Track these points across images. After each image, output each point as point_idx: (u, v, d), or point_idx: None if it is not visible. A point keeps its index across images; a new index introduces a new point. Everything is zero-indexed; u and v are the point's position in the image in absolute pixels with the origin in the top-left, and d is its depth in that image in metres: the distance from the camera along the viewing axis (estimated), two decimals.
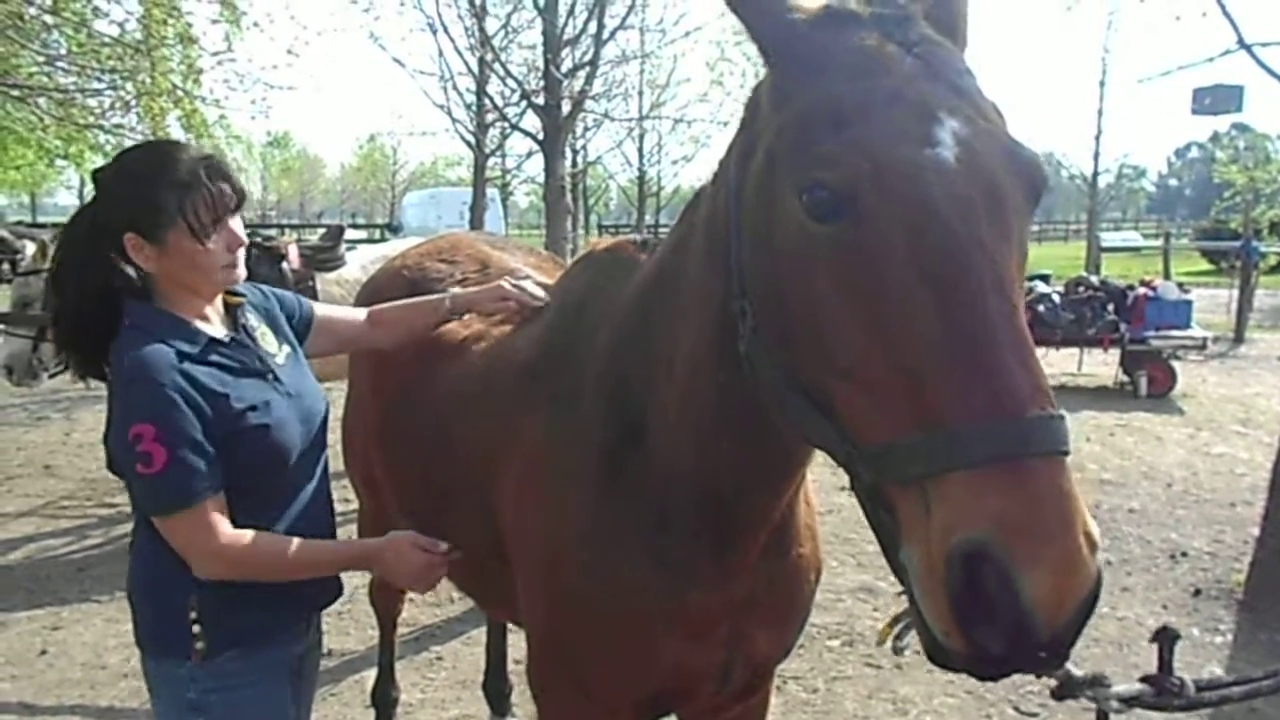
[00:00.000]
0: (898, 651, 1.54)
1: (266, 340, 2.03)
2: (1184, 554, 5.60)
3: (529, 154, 17.98)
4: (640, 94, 20.22)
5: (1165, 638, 1.34)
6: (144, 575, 1.89)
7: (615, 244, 2.13)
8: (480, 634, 4.53)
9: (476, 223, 14.71)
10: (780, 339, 1.26)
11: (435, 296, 2.42)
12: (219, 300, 1.95)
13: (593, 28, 9.16)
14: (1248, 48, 4.76)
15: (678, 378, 1.66)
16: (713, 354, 1.54)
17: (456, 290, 2.43)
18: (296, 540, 1.83)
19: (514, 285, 2.30)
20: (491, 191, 19.13)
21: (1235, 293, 15.09)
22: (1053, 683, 1.40)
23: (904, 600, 1.11)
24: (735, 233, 1.38)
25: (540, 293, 2.28)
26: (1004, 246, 1.11)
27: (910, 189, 1.10)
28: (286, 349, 2.06)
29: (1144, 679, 1.33)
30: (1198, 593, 5.05)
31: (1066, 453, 1.01)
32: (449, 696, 4.00)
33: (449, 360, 2.38)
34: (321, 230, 8.53)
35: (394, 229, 24.91)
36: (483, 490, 2.08)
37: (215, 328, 1.90)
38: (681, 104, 22.37)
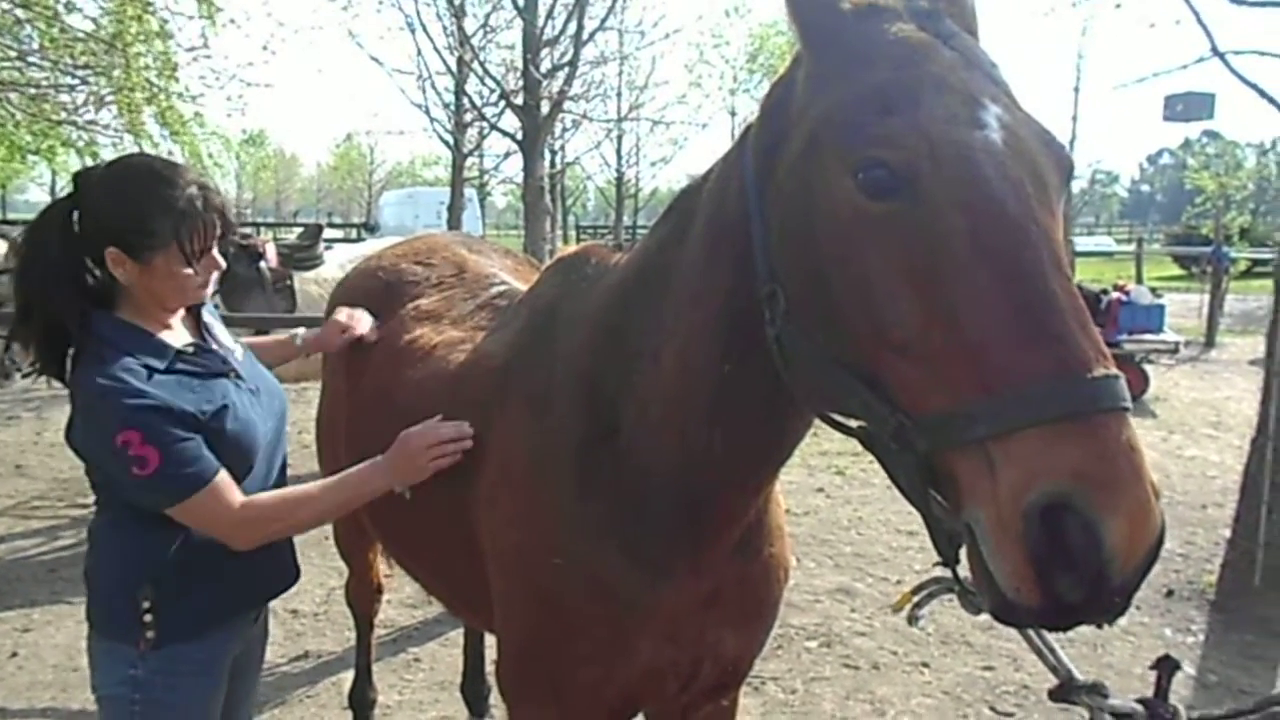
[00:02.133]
0: (913, 622, 1.58)
1: (225, 337, 2.10)
2: None
3: (506, 154, 17.95)
4: (619, 95, 20.20)
5: (1165, 667, 1.37)
6: (99, 561, 1.95)
7: (585, 248, 2.14)
8: (458, 635, 4.50)
9: (454, 223, 14.64)
10: (822, 319, 1.28)
11: (286, 335, 2.66)
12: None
13: (572, 28, 9.15)
14: (1221, 55, 4.82)
15: (665, 372, 1.66)
16: (715, 345, 1.56)
17: (303, 331, 2.63)
18: (310, 485, 1.94)
19: (349, 314, 2.61)
20: (469, 191, 19.06)
21: (1206, 297, 15.30)
22: (1015, 684, 1.41)
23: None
24: (758, 222, 1.41)
25: (369, 321, 2.62)
26: (1052, 223, 1.16)
27: (966, 168, 1.14)
28: (240, 346, 2.14)
29: (1140, 700, 1.35)
30: (1170, 594, 5.10)
31: (1129, 408, 1.06)
32: (427, 698, 3.98)
33: (421, 364, 2.37)
34: (299, 229, 8.48)
35: (371, 228, 24.80)
36: (454, 494, 2.07)
37: (177, 334, 1.94)
38: (660, 106, 22.37)
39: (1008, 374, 1.06)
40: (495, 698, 3.69)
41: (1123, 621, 4.71)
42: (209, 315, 2.10)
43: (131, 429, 1.71)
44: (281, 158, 59.21)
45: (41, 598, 4.86)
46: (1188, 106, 18.67)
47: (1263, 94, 4.86)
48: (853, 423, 1.34)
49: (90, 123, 11.00)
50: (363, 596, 3.41)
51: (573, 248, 2.22)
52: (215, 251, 1.91)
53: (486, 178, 19.25)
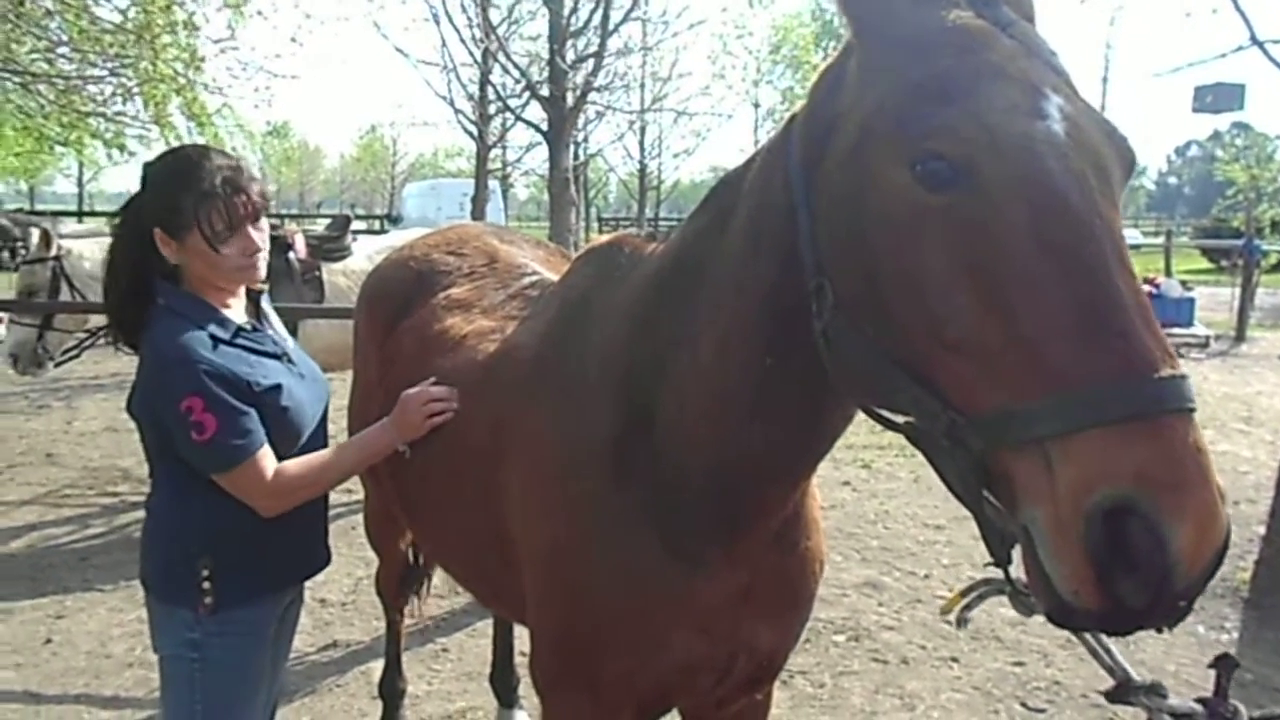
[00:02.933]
0: (962, 624, 1.56)
1: (279, 328, 2.26)
2: None
3: (529, 146, 17.93)
4: (642, 86, 20.12)
5: (1225, 666, 1.35)
6: (160, 531, 2.09)
7: (617, 238, 2.13)
8: (485, 626, 4.52)
9: (478, 214, 14.67)
10: (873, 313, 1.26)
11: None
12: (242, 289, 2.14)
13: (598, 19, 9.12)
14: (1260, 44, 4.74)
15: (704, 363, 1.64)
16: (757, 338, 1.54)
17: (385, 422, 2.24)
18: (325, 452, 2.11)
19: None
20: (492, 183, 19.08)
21: (1237, 291, 15.09)
22: (1063, 683, 1.39)
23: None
24: (804, 213, 1.38)
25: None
26: (1116, 217, 1.13)
27: (1028, 160, 1.11)
28: (291, 339, 2.28)
29: (1199, 700, 1.33)
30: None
31: (1194, 409, 1.03)
32: (455, 689, 3.99)
33: (452, 353, 2.37)
34: (324, 221, 8.51)
35: (394, 220, 24.93)
36: (487, 484, 2.07)
37: (238, 315, 2.09)
38: (683, 97, 22.29)
39: (1071, 373, 1.03)
40: (525, 688, 3.69)
41: None
42: (267, 305, 2.24)
43: (196, 395, 1.87)
44: (305, 149, 59.49)
45: (74, 585, 4.91)
46: (1217, 98, 18.42)
47: None
48: (899, 418, 1.32)
49: (118, 114, 11.09)
50: (393, 586, 3.42)
51: (604, 237, 2.20)
52: (252, 232, 2.00)
53: (509, 169, 19.24)
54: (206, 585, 1.98)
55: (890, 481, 6.96)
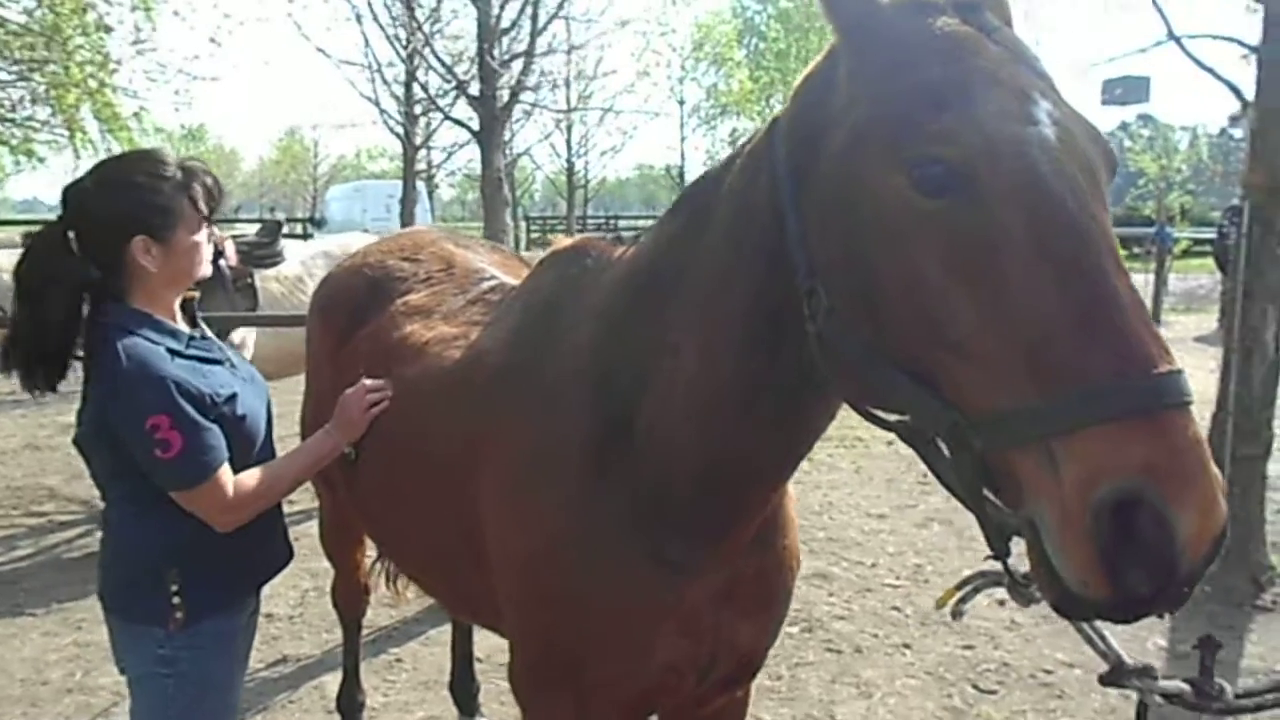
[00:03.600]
0: (957, 616, 1.59)
1: (210, 330, 2.23)
2: None
3: (454, 145, 17.76)
4: (568, 85, 20.09)
5: (1208, 646, 1.40)
6: (121, 549, 2.05)
7: (581, 241, 2.12)
8: (438, 634, 4.47)
9: (407, 216, 14.47)
10: (869, 316, 1.26)
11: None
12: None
13: (527, 17, 9.06)
14: (1178, 39, 4.91)
15: (686, 366, 1.64)
16: (742, 340, 1.54)
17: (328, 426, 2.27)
18: (275, 462, 2.10)
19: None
20: (418, 184, 18.85)
21: (1150, 277, 15.64)
22: (1059, 671, 1.43)
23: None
24: (793, 217, 1.38)
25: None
26: (1106, 218, 1.16)
27: (1023, 165, 1.13)
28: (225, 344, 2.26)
29: (1187, 680, 1.38)
30: None
31: (1191, 402, 1.06)
32: (413, 699, 3.93)
33: (413, 362, 2.33)
34: (245, 225, 8.30)
35: (318, 222, 24.43)
36: (455, 493, 2.04)
37: (182, 324, 2.06)
38: (609, 95, 22.31)
39: (1072, 372, 1.05)
40: (485, 695, 3.67)
41: None
42: (199, 312, 2.20)
43: (163, 413, 1.85)
44: (221, 152, 57.98)
45: (3, 610, 4.71)
46: (1125, 90, 19.09)
47: (1218, 77, 4.97)
48: (891, 417, 1.34)
49: (27, 119, 10.67)
50: (349, 598, 3.36)
51: (566, 241, 2.18)
52: (212, 223, 2.07)
53: (435, 170, 19.03)
54: (176, 600, 1.96)
55: (832, 473, 7.06)
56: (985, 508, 1.17)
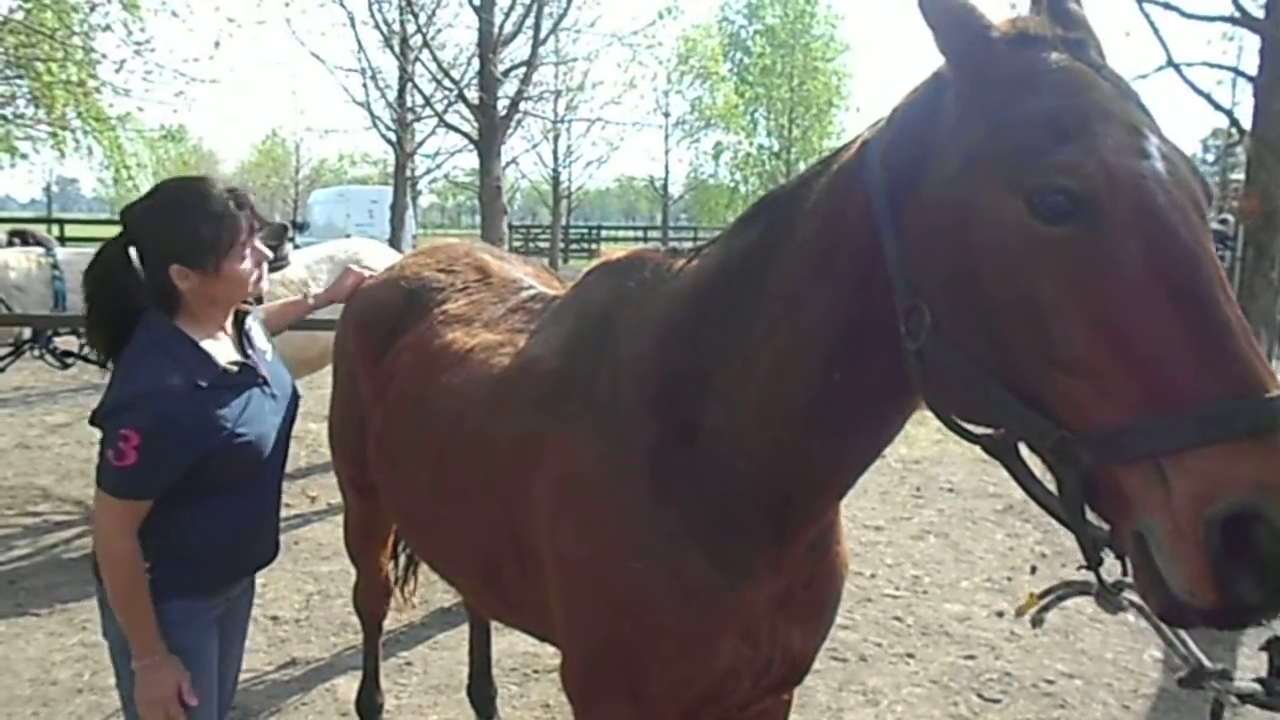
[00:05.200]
0: (1036, 624, 1.64)
1: (260, 339, 2.34)
2: None
3: (439, 152, 17.70)
4: (557, 95, 20.14)
5: (1276, 647, 1.47)
6: None
7: (635, 253, 2.14)
8: (446, 638, 4.50)
9: (396, 221, 14.45)
10: (977, 334, 1.32)
11: (295, 297, 3.05)
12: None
13: (529, 27, 9.08)
14: (1176, 66, 5.04)
15: (758, 377, 1.69)
16: (821, 354, 1.59)
17: (316, 291, 2.72)
18: (141, 593, 2.06)
19: (359, 268, 3.03)
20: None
21: None
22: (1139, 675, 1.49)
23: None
24: (892, 236, 1.43)
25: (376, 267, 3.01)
26: (1212, 249, 1.23)
27: (1141, 196, 1.20)
28: (270, 346, 2.37)
29: (1258, 680, 1.45)
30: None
31: None
32: (425, 702, 3.95)
33: (456, 369, 2.36)
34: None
35: (301, 227, 24.25)
36: (503, 497, 2.07)
37: (224, 345, 2.19)
38: (597, 106, 22.41)
39: (1188, 392, 1.12)
40: (500, 700, 3.70)
41: (1089, 610, 4.92)
42: (251, 320, 2.32)
43: (138, 431, 1.96)
44: (200, 154, 57.48)
45: (6, 610, 4.68)
46: None
47: (1213, 103, 5.11)
48: (979, 430, 1.40)
49: (18, 116, 10.60)
50: (373, 598, 3.38)
51: (618, 252, 2.22)
52: (258, 242, 2.18)
53: (428, 175, 19.01)
54: (148, 576, 2.07)
55: None
56: (1084, 521, 1.24)
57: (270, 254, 2.19)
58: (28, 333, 6.03)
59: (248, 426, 2.12)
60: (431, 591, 4.74)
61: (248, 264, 2.13)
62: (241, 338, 2.26)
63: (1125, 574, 1.28)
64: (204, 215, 2.05)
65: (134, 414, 1.97)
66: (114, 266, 2.13)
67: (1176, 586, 1.12)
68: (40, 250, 6.17)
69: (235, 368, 2.15)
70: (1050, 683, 4.16)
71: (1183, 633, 1.56)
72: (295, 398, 2.38)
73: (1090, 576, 1.41)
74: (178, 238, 2.05)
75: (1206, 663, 1.50)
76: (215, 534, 2.16)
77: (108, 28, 10.10)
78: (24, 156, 17.04)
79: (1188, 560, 1.10)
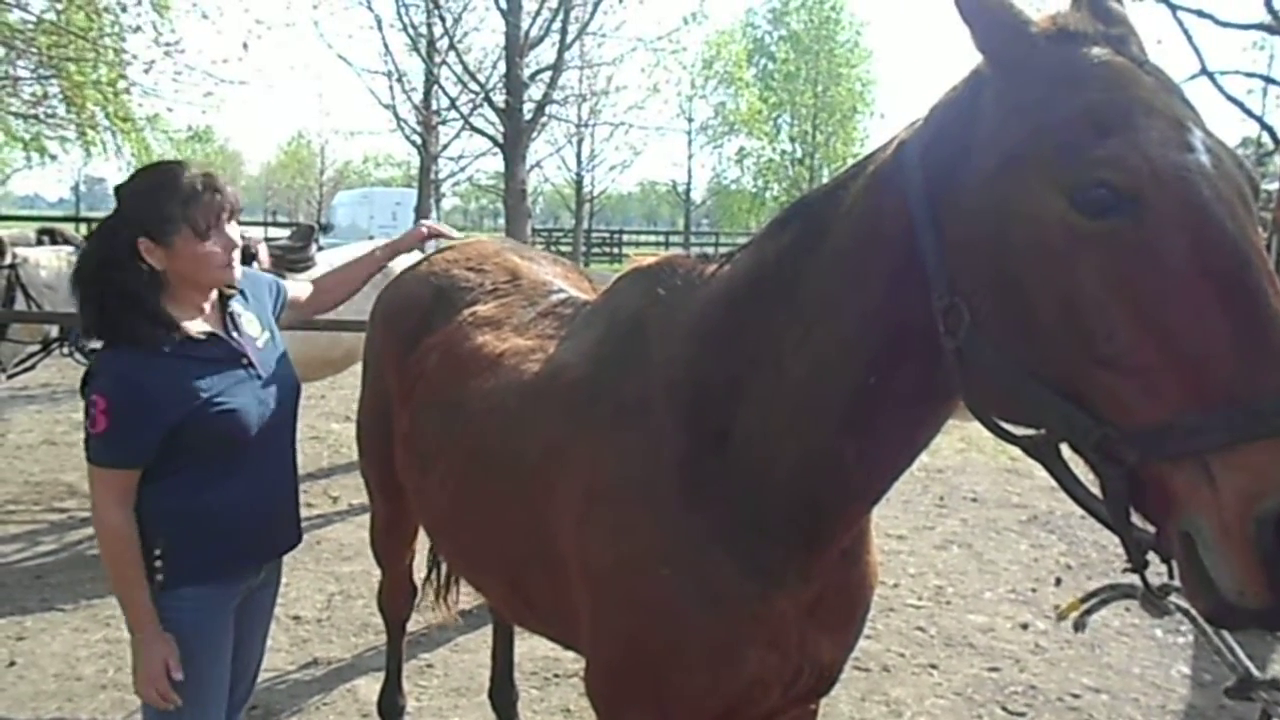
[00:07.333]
0: (1079, 628, 1.63)
1: (251, 326, 2.36)
2: None
3: (464, 155, 17.76)
4: (581, 100, 20.17)
5: None
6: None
7: (668, 258, 2.12)
8: (467, 641, 4.50)
9: None
10: (1018, 331, 1.30)
11: (365, 252, 2.93)
12: (214, 291, 2.29)
13: (556, 31, 9.11)
14: (1210, 75, 4.99)
15: (791, 381, 1.67)
16: (858, 357, 1.57)
17: (381, 240, 2.75)
18: (133, 568, 2.12)
19: (431, 225, 2.97)
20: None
21: None
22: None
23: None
24: (930, 236, 1.42)
25: (454, 232, 2.99)
26: (1259, 241, 1.20)
27: (1186, 190, 1.17)
28: (266, 334, 2.39)
29: None
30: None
31: None
32: (446, 704, 3.95)
33: (486, 374, 2.36)
34: (242, 226, 8.33)
35: (325, 228, 24.40)
36: (532, 502, 2.06)
37: (199, 323, 2.22)
38: (620, 110, 22.41)
39: (1235, 389, 1.09)
40: (521, 704, 3.69)
41: (1115, 623, 4.86)
42: (237, 305, 2.34)
43: (103, 396, 2.07)
44: (226, 154, 58.02)
45: (32, 605, 4.72)
46: None
47: (1247, 111, 5.06)
48: (1020, 431, 1.38)
49: (50, 115, 10.72)
50: (396, 599, 3.38)
51: (649, 258, 2.20)
52: (230, 230, 2.20)
53: (453, 178, 19.06)
54: (159, 564, 2.14)
55: None
56: (1129, 522, 1.21)
57: (241, 241, 2.24)
58: (56, 330, 6.09)
59: (224, 398, 2.17)
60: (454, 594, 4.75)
61: (211, 245, 2.15)
62: (225, 321, 2.29)
63: (1171, 578, 1.25)
64: (171, 193, 2.11)
65: (99, 379, 2.10)
66: (99, 236, 2.23)
67: (1225, 587, 1.10)
68: (69, 249, 6.22)
69: (203, 337, 2.19)
70: (1076, 696, 4.11)
71: (1230, 640, 1.54)
72: (295, 388, 2.42)
73: (1135, 580, 1.38)
74: (145, 212, 2.12)
75: (1255, 671, 1.47)
76: (217, 518, 2.20)
77: (138, 29, 10.21)
78: (53, 158, 17.19)
79: (1237, 559, 1.07)
